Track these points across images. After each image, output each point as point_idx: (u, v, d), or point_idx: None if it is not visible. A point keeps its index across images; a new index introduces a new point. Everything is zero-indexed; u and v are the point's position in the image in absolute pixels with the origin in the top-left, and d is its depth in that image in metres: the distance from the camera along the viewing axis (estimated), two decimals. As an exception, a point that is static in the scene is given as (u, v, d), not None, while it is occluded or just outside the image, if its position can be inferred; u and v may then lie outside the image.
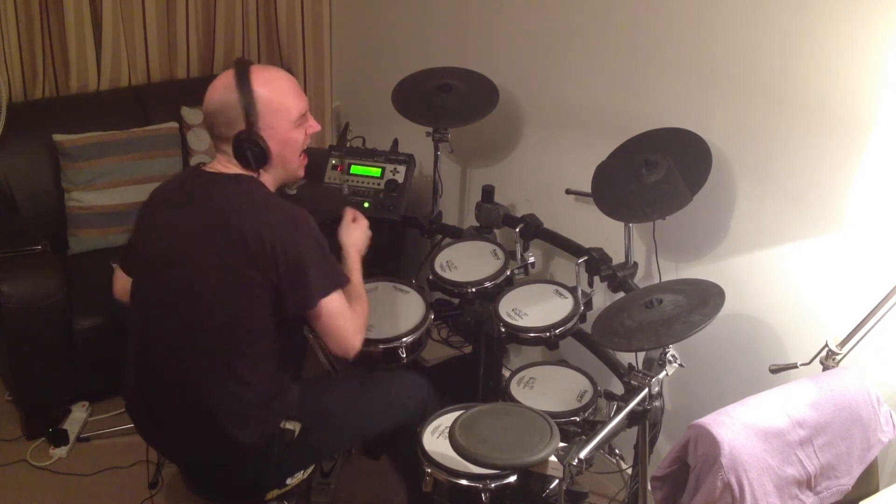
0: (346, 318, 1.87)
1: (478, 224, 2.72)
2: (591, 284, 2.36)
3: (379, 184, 2.84)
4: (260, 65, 1.88)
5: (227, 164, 1.89)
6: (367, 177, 2.86)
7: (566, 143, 2.73)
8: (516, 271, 2.46)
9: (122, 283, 2.03)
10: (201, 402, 1.84)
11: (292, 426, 1.92)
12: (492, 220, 2.69)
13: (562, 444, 1.71)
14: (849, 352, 1.84)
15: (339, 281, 1.89)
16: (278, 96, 1.86)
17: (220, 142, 1.87)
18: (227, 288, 1.79)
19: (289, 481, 2.03)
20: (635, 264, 2.37)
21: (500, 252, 2.49)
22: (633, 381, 1.83)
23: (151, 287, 1.89)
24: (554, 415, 1.89)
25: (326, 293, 1.83)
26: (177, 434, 1.95)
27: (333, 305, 1.85)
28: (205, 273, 1.80)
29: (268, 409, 1.89)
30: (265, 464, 1.94)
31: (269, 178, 1.91)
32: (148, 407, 1.97)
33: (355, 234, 2.08)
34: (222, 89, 1.84)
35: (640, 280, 2.42)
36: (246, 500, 2.06)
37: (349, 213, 2.15)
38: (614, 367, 2.38)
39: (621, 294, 2.29)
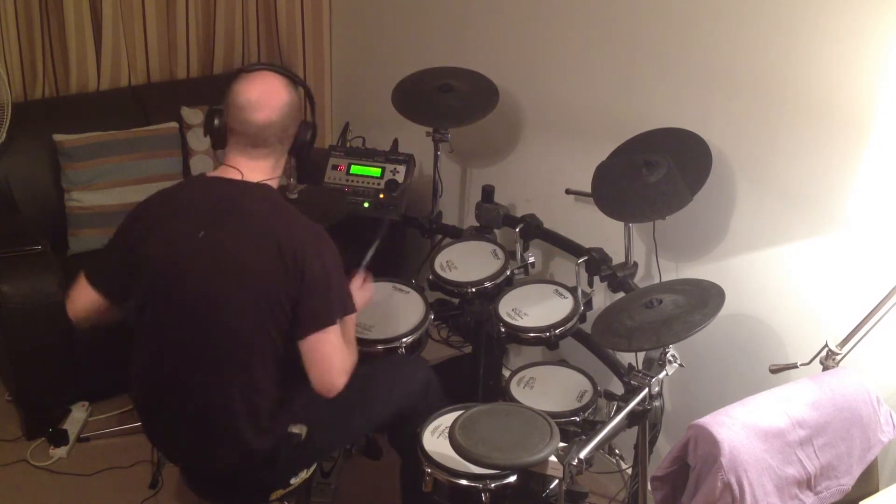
0: (340, 350, 1.85)
1: (478, 224, 2.72)
2: (591, 284, 2.36)
3: (379, 184, 2.84)
4: None
5: (252, 170, 1.87)
6: (367, 177, 2.86)
7: (566, 143, 2.73)
8: (516, 271, 2.46)
9: (84, 301, 1.95)
10: (220, 410, 1.84)
11: (298, 430, 1.91)
12: (492, 220, 2.69)
13: (562, 444, 1.71)
14: (849, 352, 1.84)
15: (351, 306, 1.90)
16: None
17: (264, 149, 1.87)
18: (255, 297, 1.79)
19: (293, 481, 2.04)
20: (635, 264, 2.37)
21: (500, 252, 2.50)
22: (633, 381, 1.84)
23: (170, 294, 1.86)
24: (554, 415, 1.89)
25: (341, 314, 1.85)
26: (190, 440, 1.94)
27: (334, 333, 1.83)
28: (232, 282, 1.79)
29: (278, 415, 1.90)
30: (272, 467, 1.94)
31: (278, 180, 1.95)
32: (159, 413, 1.96)
33: (360, 300, 2.06)
34: (282, 90, 1.88)
35: (640, 280, 2.42)
36: (249, 501, 2.06)
37: (360, 277, 2.14)
38: (614, 367, 2.38)
39: (621, 294, 2.29)
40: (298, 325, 1.81)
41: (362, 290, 2.11)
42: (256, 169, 1.89)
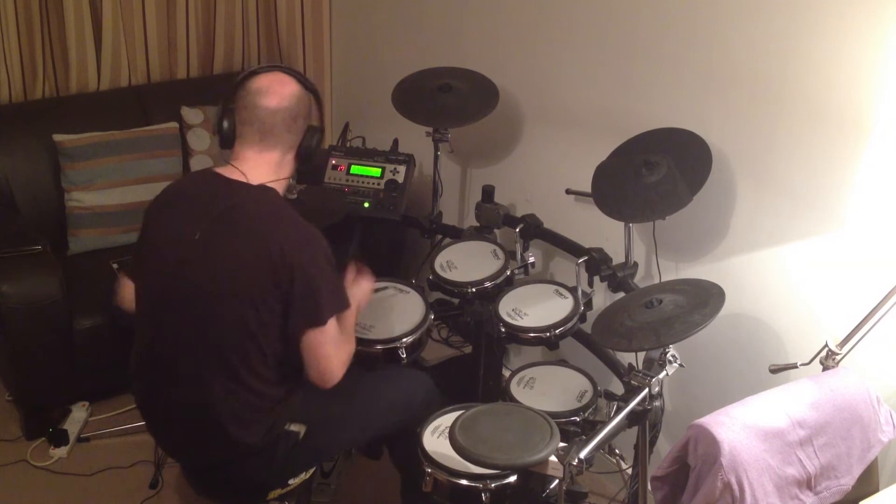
0: (337, 345, 1.88)
1: (478, 224, 2.72)
2: (591, 284, 2.36)
3: (379, 184, 2.84)
4: None
5: (258, 166, 1.90)
6: (367, 177, 2.86)
7: (566, 143, 2.73)
8: (516, 271, 2.46)
9: (128, 291, 2.02)
10: (207, 404, 1.85)
11: (297, 428, 1.93)
12: (492, 220, 2.69)
13: (562, 444, 1.71)
14: (849, 352, 1.84)
15: (345, 302, 1.91)
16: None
17: (273, 137, 1.90)
18: (244, 296, 1.80)
19: (291, 481, 2.04)
20: (635, 264, 2.37)
21: (500, 252, 2.49)
22: (633, 381, 1.83)
23: (165, 289, 1.88)
24: (554, 415, 1.89)
25: (333, 312, 1.86)
26: (183, 433, 1.96)
27: (330, 330, 1.85)
28: (224, 281, 1.80)
29: (272, 413, 1.90)
30: (269, 464, 1.95)
31: (284, 183, 1.96)
32: (156, 406, 1.98)
33: (357, 293, 2.08)
34: (292, 82, 1.94)
35: (640, 280, 2.42)
36: (248, 500, 2.06)
37: (352, 269, 2.15)
38: (614, 367, 2.38)
39: (621, 294, 2.29)
40: (293, 323, 1.82)
41: (358, 283, 2.11)
42: (263, 165, 1.90)
